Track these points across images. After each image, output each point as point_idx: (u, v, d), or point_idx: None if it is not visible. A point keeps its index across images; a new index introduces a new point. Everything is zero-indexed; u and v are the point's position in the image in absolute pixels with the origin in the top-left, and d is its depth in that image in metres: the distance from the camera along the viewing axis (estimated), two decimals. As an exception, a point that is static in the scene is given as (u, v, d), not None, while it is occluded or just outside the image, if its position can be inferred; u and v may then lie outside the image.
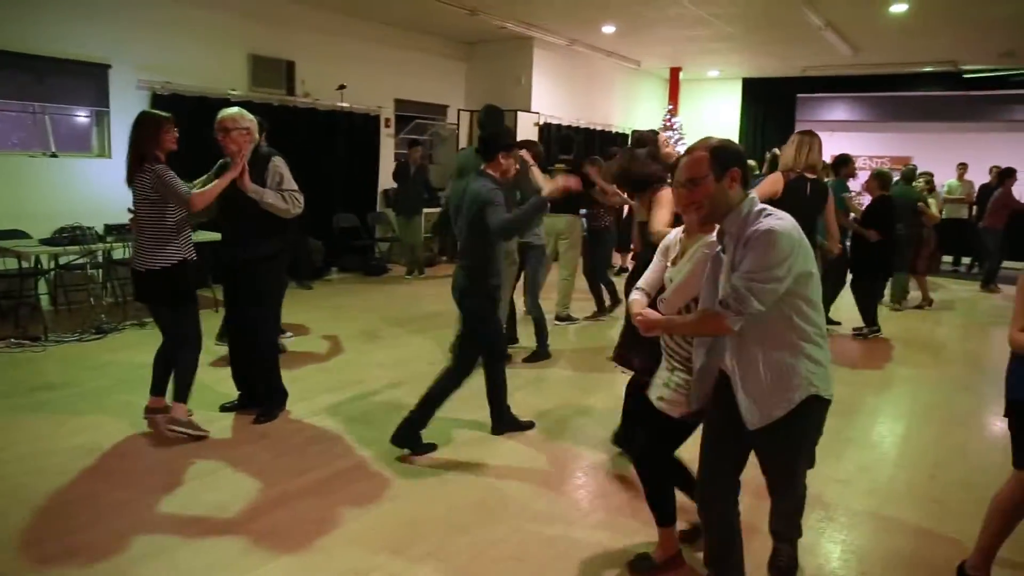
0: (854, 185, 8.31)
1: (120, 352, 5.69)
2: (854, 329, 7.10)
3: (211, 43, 8.39)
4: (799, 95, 14.87)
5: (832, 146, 15.84)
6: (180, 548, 2.94)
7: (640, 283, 2.68)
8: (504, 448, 4.06)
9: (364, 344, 6.22)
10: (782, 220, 2.15)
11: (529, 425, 4.34)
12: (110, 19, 7.44)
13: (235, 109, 4.15)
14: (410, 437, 3.90)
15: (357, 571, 2.81)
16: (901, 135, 15.25)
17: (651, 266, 2.70)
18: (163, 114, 3.95)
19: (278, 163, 4.18)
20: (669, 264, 2.61)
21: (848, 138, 16.17)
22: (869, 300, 7.03)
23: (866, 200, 7.56)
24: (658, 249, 2.71)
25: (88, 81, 7.45)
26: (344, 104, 9.74)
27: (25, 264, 6.64)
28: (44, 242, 6.32)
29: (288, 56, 9.22)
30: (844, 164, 7.51)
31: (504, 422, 4.25)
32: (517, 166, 4.17)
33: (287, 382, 4.54)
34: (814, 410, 2.29)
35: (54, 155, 7.25)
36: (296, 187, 4.18)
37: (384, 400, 4.81)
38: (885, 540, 3.20)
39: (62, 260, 6.80)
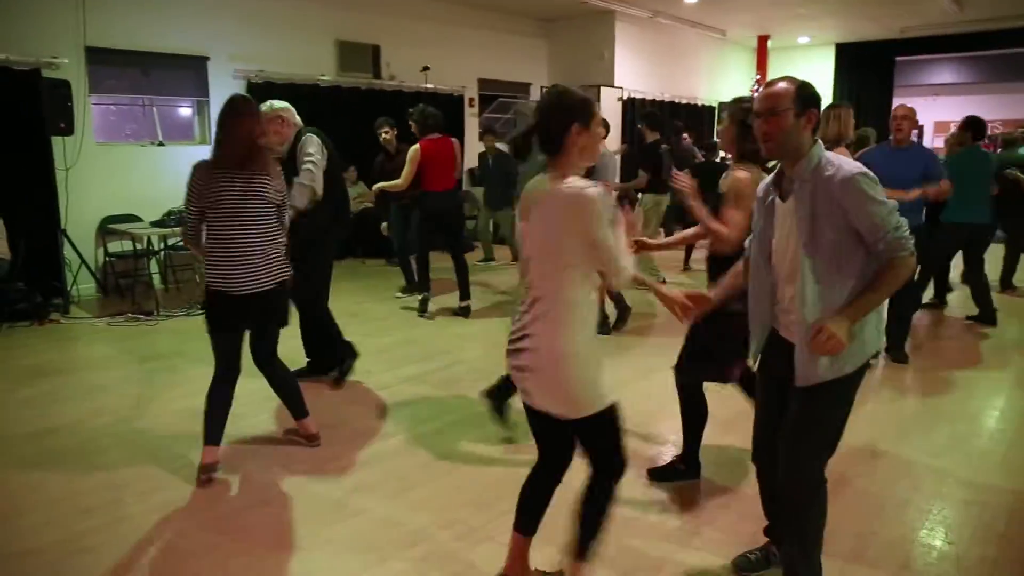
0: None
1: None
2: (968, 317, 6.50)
3: (300, 31, 8.74)
4: (898, 58, 14.09)
5: (937, 112, 15.19)
6: (276, 500, 3.17)
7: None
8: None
9: (450, 316, 6.41)
10: (856, 163, 2.14)
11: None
12: (208, 14, 7.88)
13: (267, 103, 4.28)
14: None
15: (440, 523, 2.97)
16: (1014, 96, 14.25)
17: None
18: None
19: (306, 140, 4.27)
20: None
21: (955, 102, 15.27)
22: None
23: None
24: (605, 211, 2.11)
25: (189, 73, 7.92)
26: (429, 85, 9.94)
27: (138, 245, 7.17)
28: (154, 224, 6.81)
29: (374, 40, 9.49)
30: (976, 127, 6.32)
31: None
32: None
33: (376, 352, 4.76)
34: (858, 379, 2.21)
35: (161, 144, 7.76)
36: (315, 162, 4.20)
37: (469, 368, 4.97)
38: (976, 513, 3.10)
39: (170, 241, 7.29)
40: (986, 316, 6.22)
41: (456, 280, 6.46)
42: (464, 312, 6.42)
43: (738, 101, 3.11)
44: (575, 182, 2.11)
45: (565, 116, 2.12)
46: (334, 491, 3.26)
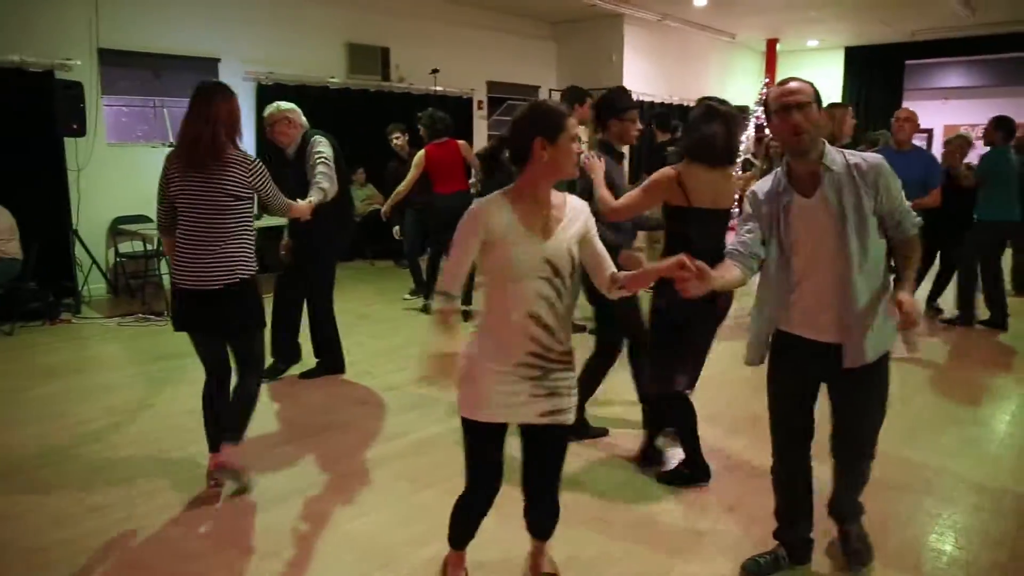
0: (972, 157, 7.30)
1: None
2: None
3: (310, 34, 8.77)
4: (908, 62, 14.02)
5: (947, 115, 15.09)
6: (284, 501, 3.18)
7: (449, 280, 2.17)
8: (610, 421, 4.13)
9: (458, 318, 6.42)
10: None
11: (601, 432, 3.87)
12: (219, 16, 7.92)
13: (274, 104, 4.37)
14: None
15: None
16: (1025, 100, 14.14)
17: (458, 253, 2.14)
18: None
19: (316, 140, 4.31)
20: (534, 236, 2.09)
21: (965, 106, 15.18)
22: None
23: None
24: (465, 226, 2.11)
25: (200, 75, 7.93)
26: (438, 88, 9.95)
27: (149, 246, 7.20)
28: (165, 225, 6.83)
29: (383, 43, 9.51)
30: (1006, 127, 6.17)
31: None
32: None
33: (385, 353, 4.77)
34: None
35: (171, 145, 7.77)
36: (327, 157, 4.21)
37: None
38: (987, 519, 3.08)
39: (181, 242, 7.32)
40: (998, 320, 6.19)
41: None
42: (464, 316, 6.43)
43: (701, 101, 3.15)
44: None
45: (530, 130, 2.06)
46: (342, 492, 3.27)
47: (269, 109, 4.39)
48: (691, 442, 3.32)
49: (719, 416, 4.09)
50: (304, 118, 4.44)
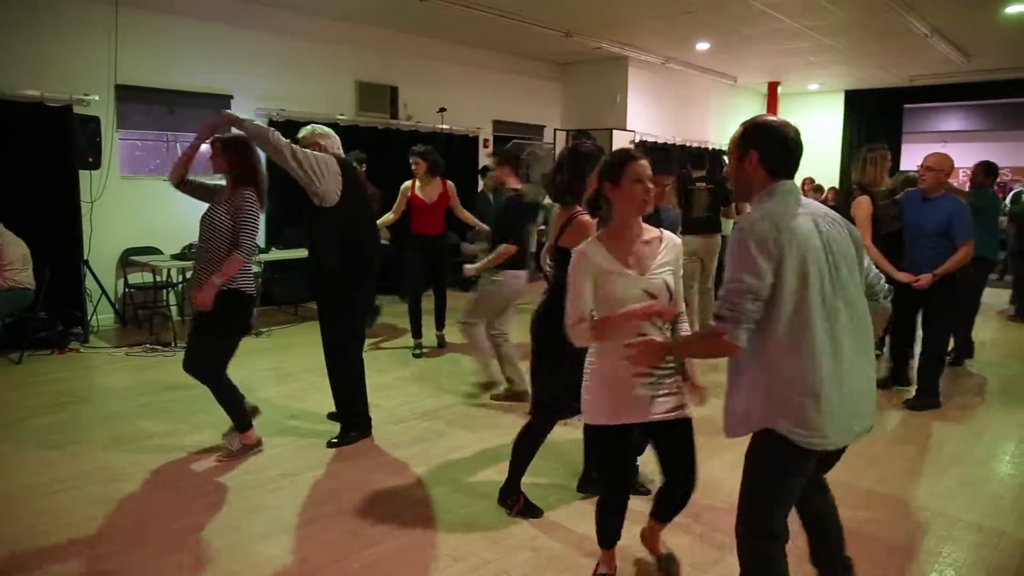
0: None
1: (238, 358, 6.13)
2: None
3: (321, 72, 8.98)
4: (906, 105, 14.27)
5: (944, 158, 15.31)
6: (292, 531, 3.23)
7: (578, 311, 2.43)
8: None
9: (462, 355, 6.47)
10: (763, 217, 1.99)
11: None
12: (232, 54, 8.13)
13: (309, 127, 4.27)
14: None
15: (454, 555, 3.01)
16: (1021, 144, 14.37)
17: (577, 289, 2.44)
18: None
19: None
20: (630, 272, 2.44)
21: (962, 148, 15.41)
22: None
23: None
24: (575, 267, 2.45)
25: (213, 111, 8.10)
26: (444, 126, 10.14)
27: (158, 277, 7.30)
28: (174, 257, 6.94)
29: (392, 82, 9.72)
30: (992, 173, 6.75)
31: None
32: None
33: (392, 386, 4.80)
34: (774, 449, 2.05)
35: (185, 179, 7.93)
36: (303, 152, 3.90)
37: (482, 405, 5.02)
38: (988, 556, 3.12)
39: (188, 274, 7.41)
40: (966, 352, 6.46)
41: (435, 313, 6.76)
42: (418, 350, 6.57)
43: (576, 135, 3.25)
44: None
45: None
46: (349, 522, 3.31)
47: (303, 132, 4.22)
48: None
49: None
50: (339, 148, 4.21)
